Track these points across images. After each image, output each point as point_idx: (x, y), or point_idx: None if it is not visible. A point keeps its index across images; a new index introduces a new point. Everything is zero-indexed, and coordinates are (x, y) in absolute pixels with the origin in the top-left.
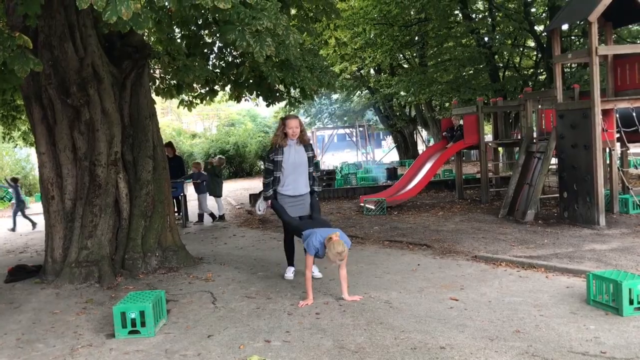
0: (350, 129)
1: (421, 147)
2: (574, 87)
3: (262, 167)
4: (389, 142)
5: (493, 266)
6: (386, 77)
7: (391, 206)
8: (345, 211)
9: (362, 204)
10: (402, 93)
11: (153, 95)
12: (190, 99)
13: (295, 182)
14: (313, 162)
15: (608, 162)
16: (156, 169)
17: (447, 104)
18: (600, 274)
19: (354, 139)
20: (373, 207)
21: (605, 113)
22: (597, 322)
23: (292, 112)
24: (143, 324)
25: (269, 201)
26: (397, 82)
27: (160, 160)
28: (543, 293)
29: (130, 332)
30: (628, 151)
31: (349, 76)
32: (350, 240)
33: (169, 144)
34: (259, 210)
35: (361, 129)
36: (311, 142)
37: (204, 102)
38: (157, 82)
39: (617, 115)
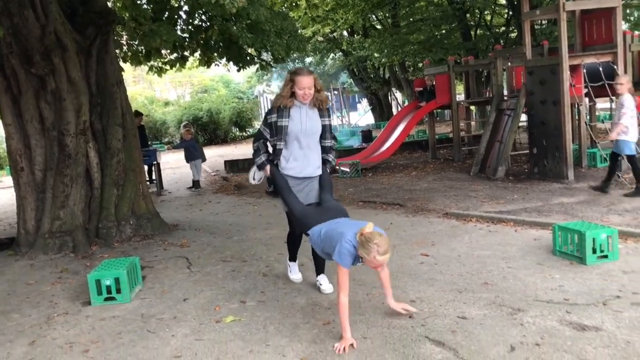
0: (325, 92)
1: (396, 109)
2: (542, 43)
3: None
4: (364, 104)
5: (464, 222)
6: (359, 39)
7: (366, 168)
8: None
9: (337, 167)
10: (375, 55)
11: (121, 63)
12: (160, 65)
13: (304, 159)
14: (331, 133)
15: (577, 117)
16: (126, 137)
17: (420, 65)
18: (566, 226)
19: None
20: (348, 170)
21: (573, 68)
22: (562, 272)
23: (303, 67)
24: (118, 291)
25: (267, 168)
26: (370, 43)
27: (130, 128)
28: (511, 246)
29: (106, 299)
30: (595, 106)
31: (321, 39)
32: (385, 233)
33: (140, 113)
34: (254, 180)
35: (336, 92)
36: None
37: (174, 68)
38: (124, 48)
39: (585, 71)
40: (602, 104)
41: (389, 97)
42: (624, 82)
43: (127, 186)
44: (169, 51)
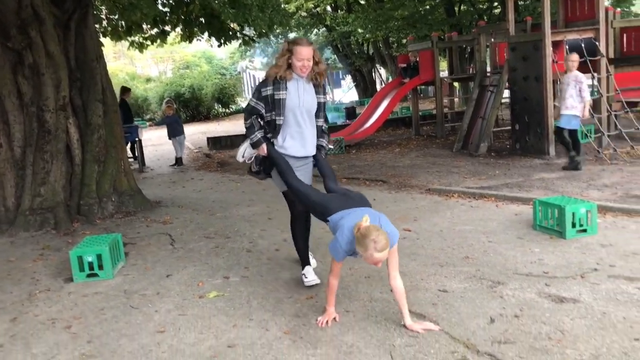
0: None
1: (380, 86)
2: (526, 19)
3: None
4: (348, 81)
5: (446, 198)
6: (343, 14)
7: (349, 145)
8: None
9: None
10: (359, 30)
11: (100, 38)
12: (141, 40)
13: (301, 137)
14: (324, 112)
15: (559, 93)
16: (107, 113)
17: (404, 41)
18: (546, 200)
19: None
20: (332, 146)
21: (556, 45)
22: (541, 246)
23: (303, 37)
24: (101, 267)
25: (264, 146)
26: (354, 19)
27: (110, 104)
28: (492, 221)
29: (89, 276)
30: None
31: (305, 14)
32: (397, 230)
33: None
34: (242, 157)
35: None
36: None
37: (155, 43)
38: (104, 23)
39: (567, 47)
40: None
41: (373, 74)
42: (576, 59)
43: (108, 163)
44: (149, 26)
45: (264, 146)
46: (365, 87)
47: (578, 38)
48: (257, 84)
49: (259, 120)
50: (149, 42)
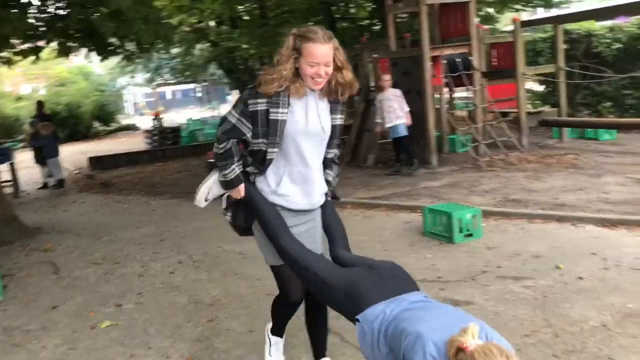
0: (194, 84)
1: None
2: (405, 36)
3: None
4: (234, 97)
5: (340, 209)
6: (227, 30)
7: None
8: (193, 168)
9: (209, 160)
10: (243, 46)
11: None
12: (10, 55)
13: (306, 179)
14: (338, 139)
15: (438, 105)
16: None
17: None
18: (434, 208)
19: (198, 94)
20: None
21: (434, 60)
22: (433, 251)
23: (316, 28)
24: None
25: (241, 187)
26: (239, 35)
27: None
28: (385, 230)
29: None
30: (454, 95)
31: (188, 29)
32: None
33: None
34: (205, 201)
35: (205, 83)
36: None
37: (26, 58)
38: None
39: (445, 61)
40: (460, 93)
41: None
42: (388, 79)
43: None
44: (21, 40)
45: (242, 187)
46: None
47: (454, 53)
48: (243, 94)
49: (235, 146)
50: (19, 58)
